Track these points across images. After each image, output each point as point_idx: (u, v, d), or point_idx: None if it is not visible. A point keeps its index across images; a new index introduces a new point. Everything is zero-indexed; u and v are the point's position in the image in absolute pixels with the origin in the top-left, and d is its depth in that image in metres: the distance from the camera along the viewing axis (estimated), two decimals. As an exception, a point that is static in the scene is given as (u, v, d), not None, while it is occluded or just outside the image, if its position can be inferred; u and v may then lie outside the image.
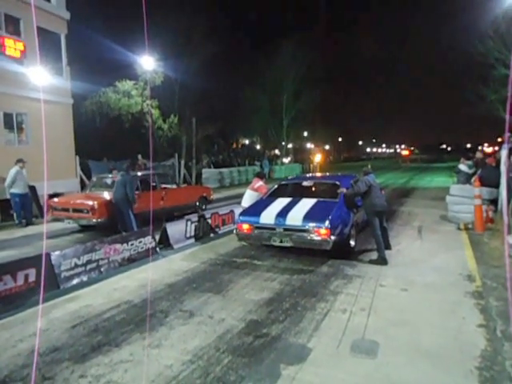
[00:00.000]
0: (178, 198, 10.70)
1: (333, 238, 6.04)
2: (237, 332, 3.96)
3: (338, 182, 7.49)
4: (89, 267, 5.71)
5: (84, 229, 9.45)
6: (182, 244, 7.63)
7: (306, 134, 44.63)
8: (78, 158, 13.74)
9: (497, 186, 8.94)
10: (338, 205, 6.69)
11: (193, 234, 8.01)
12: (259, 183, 8.03)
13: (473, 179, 9.44)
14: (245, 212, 7.14)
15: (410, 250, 7.03)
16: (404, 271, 5.78)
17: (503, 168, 8.26)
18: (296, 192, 7.48)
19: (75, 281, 5.47)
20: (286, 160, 35.76)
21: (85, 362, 3.44)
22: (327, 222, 6.02)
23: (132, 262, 6.41)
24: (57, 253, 5.38)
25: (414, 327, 3.97)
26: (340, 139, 69.46)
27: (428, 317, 4.22)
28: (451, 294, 4.85)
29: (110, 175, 10.01)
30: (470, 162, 11.54)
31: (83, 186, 13.45)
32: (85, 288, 5.40)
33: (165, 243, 7.39)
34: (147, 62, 17.35)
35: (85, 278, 5.61)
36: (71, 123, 13.70)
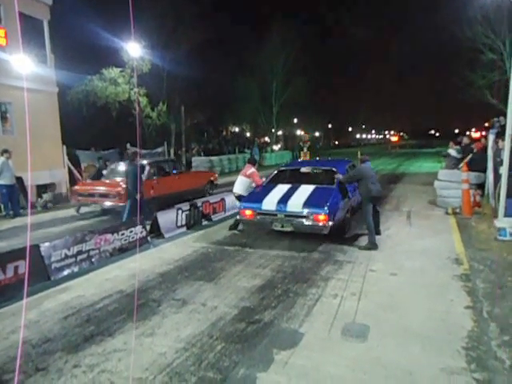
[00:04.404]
0: (189, 182, 11.36)
1: (331, 223, 6.29)
2: (230, 319, 4.00)
3: (334, 168, 7.67)
4: (79, 258, 5.67)
5: (75, 218, 9.46)
6: (174, 233, 7.62)
7: (295, 120, 44.51)
8: (65, 147, 13.50)
9: (485, 170, 9.06)
10: (335, 191, 6.89)
11: (184, 222, 8.00)
12: (251, 170, 7.93)
13: (461, 165, 9.55)
14: (247, 198, 7.35)
15: (399, 234, 7.13)
16: (393, 256, 5.87)
17: (490, 152, 8.37)
18: (295, 178, 7.72)
19: (66, 272, 5.44)
20: (276, 147, 35.71)
21: (78, 352, 3.45)
22: (326, 209, 6.29)
23: (123, 251, 6.39)
24: (46, 244, 5.33)
25: (404, 310, 4.05)
26: (330, 126, 69.36)
27: (417, 300, 4.31)
28: (439, 277, 4.95)
29: (97, 164, 10.10)
30: (458, 147, 11.65)
31: (71, 176, 13.26)
32: (76, 279, 5.38)
33: (156, 232, 7.37)
34: (134, 49, 16.99)
35: (76, 269, 5.58)
36: (57, 112, 13.41)
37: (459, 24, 20.78)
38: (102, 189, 9.58)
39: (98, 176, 10.74)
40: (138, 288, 4.91)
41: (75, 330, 3.89)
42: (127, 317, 4.13)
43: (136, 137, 16.71)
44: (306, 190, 6.91)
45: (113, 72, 18.08)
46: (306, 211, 6.42)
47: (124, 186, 9.01)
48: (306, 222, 6.42)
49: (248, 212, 6.95)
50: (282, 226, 6.61)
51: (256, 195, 7.28)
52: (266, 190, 7.35)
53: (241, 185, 7.85)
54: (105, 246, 6.11)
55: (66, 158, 13.26)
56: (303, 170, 8.19)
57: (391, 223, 7.99)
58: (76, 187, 10.14)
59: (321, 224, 6.28)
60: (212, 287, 4.90)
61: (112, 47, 18.04)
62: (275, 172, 8.34)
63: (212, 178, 12.67)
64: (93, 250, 5.90)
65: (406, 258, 5.75)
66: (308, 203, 6.49)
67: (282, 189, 7.16)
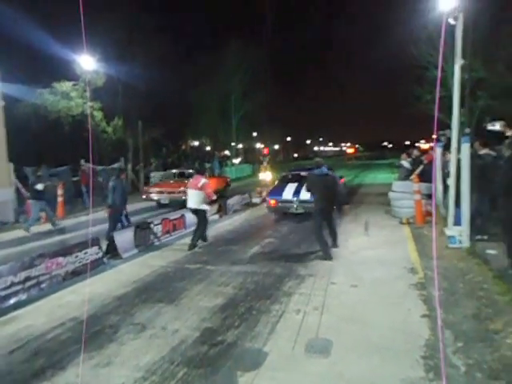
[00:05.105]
0: (217, 184, 14.90)
1: None
2: (191, 342, 3.87)
3: None
4: (28, 284, 5.28)
5: (24, 240, 8.83)
6: (131, 252, 7.33)
7: (255, 134, 44.98)
8: (12, 165, 12.70)
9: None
10: None
11: (142, 241, 7.73)
12: (203, 181, 7.65)
13: (412, 176, 10.01)
14: (271, 192, 10.75)
15: (357, 246, 7.31)
16: (353, 267, 5.99)
17: (438, 164, 8.86)
18: (298, 179, 10.64)
19: (12, 300, 5.03)
20: (236, 161, 35.76)
21: (25, 390, 3.18)
22: None
23: (77, 275, 6.03)
24: (-11, 271, 4.92)
25: (364, 322, 4.12)
26: (289, 139, 70.70)
27: (377, 311, 4.40)
28: (397, 287, 5.11)
29: (39, 183, 9.91)
30: (410, 159, 12.21)
31: (19, 195, 12.47)
32: (24, 307, 4.98)
33: (112, 252, 7.06)
34: (87, 62, 16.46)
35: (24, 297, 5.18)
36: (2, 127, 12.62)
37: (407, 42, 22.13)
38: (168, 187, 13.61)
39: (34, 193, 9.85)
40: (94, 314, 4.65)
41: (22, 365, 3.59)
42: (81, 346, 3.86)
43: (91, 153, 16.04)
44: None
45: (64, 86, 17.41)
46: (313, 199, 8.17)
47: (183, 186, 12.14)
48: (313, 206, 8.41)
49: (272, 201, 10.18)
50: (296, 209, 9.60)
51: (276, 191, 10.48)
52: (281, 187, 10.48)
53: (195, 197, 7.64)
54: (56, 269, 5.74)
55: (12, 175, 12.47)
56: (302, 173, 10.87)
57: (349, 234, 8.18)
58: (146, 188, 14.48)
59: None
60: (172, 309, 4.74)
61: (64, 60, 17.39)
62: (283, 175, 11.87)
63: (228, 181, 17.28)
64: (43, 275, 5.52)
65: (365, 268, 5.89)
66: None
67: (292, 186, 10.23)
